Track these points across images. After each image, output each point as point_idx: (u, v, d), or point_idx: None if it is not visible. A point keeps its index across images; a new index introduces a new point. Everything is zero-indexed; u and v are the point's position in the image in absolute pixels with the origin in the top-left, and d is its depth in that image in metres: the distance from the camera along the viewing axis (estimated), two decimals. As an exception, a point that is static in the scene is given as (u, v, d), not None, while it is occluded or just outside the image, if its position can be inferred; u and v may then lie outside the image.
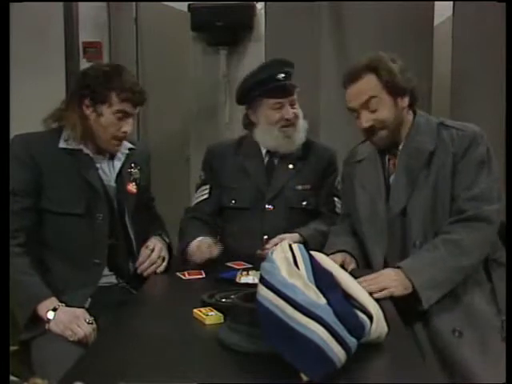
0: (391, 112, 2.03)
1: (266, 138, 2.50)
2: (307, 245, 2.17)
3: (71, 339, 1.78)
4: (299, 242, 2.15)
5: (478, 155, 1.98)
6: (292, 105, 2.45)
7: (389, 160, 2.13)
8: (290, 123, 2.45)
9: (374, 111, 2.02)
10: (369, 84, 2.02)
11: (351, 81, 2.05)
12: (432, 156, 2.02)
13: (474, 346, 1.86)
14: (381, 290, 1.81)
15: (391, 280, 1.86)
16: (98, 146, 2.09)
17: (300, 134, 2.50)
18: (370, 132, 2.07)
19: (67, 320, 1.82)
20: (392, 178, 2.10)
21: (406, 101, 2.05)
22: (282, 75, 2.41)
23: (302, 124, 2.51)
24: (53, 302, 1.87)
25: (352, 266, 2.10)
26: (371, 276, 1.89)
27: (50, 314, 1.84)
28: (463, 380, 1.83)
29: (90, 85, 2.02)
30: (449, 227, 1.96)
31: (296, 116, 2.46)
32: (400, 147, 2.09)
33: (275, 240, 2.28)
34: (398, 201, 2.06)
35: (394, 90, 2.02)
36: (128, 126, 2.07)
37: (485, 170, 1.98)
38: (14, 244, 1.93)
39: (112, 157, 2.15)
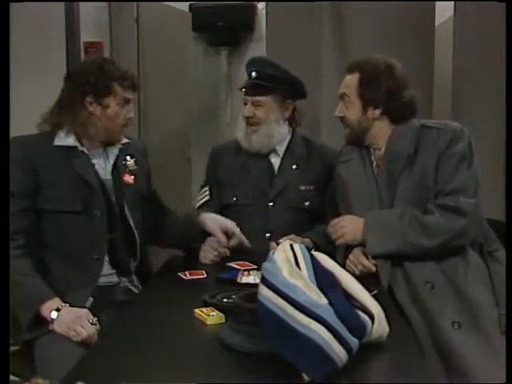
0: (356, 116, 2.16)
1: (237, 131, 2.56)
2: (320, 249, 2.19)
3: (74, 339, 1.78)
4: (312, 248, 2.17)
5: (458, 151, 2.04)
6: (256, 105, 2.45)
7: (374, 162, 2.20)
8: (250, 122, 2.47)
9: (346, 107, 2.17)
10: (350, 82, 2.17)
11: (346, 71, 2.20)
12: (414, 159, 2.08)
13: (471, 337, 1.87)
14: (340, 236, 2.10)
15: (349, 229, 2.09)
16: (102, 140, 2.10)
17: (261, 139, 2.48)
18: (342, 122, 2.22)
19: (70, 320, 1.81)
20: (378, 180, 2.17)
21: (376, 113, 2.14)
22: (254, 74, 2.43)
23: (270, 130, 2.48)
24: (56, 302, 1.87)
25: None
26: (336, 221, 2.14)
27: (54, 314, 1.83)
28: (461, 372, 1.83)
29: (90, 80, 2.03)
30: (427, 210, 2.04)
31: (256, 117, 2.46)
32: (382, 151, 2.16)
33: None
34: (383, 203, 2.12)
35: (367, 99, 2.14)
36: (131, 112, 2.11)
37: (464, 165, 2.04)
38: (14, 246, 1.92)
39: (106, 150, 2.15)
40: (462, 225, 1.99)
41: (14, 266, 1.85)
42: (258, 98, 2.45)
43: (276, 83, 2.44)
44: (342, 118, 2.20)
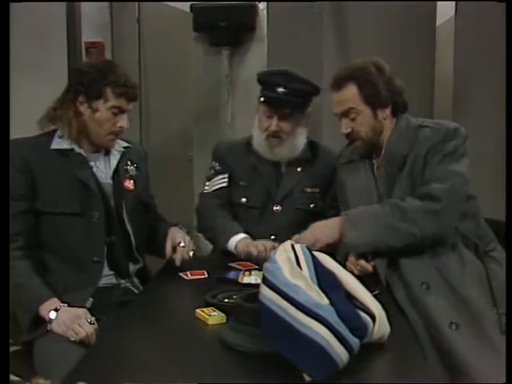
0: (368, 123, 2.13)
1: (255, 140, 2.50)
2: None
3: (73, 339, 1.78)
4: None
5: (447, 148, 2.04)
6: (282, 119, 2.39)
7: (375, 164, 2.20)
8: (274, 135, 2.42)
9: (353, 119, 2.13)
10: (349, 95, 2.12)
11: (335, 88, 2.16)
12: (406, 159, 2.09)
13: (470, 338, 1.86)
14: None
15: (321, 232, 2.08)
16: (93, 143, 2.09)
17: (286, 150, 2.45)
18: (350, 137, 2.18)
19: (69, 320, 1.81)
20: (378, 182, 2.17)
21: (386, 111, 2.14)
22: (282, 89, 2.35)
23: (295, 141, 2.46)
24: (54, 302, 1.87)
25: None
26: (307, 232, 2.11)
27: (52, 314, 1.83)
28: (460, 372, 1.82)
29: (84, 81, 2.02)
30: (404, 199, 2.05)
31: (282, 131, 2.41)
32: (382, 153, 2.16)
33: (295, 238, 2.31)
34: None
35: (374, 102, 2.11)
36: (124, 122, 2.08)
37: (448, 160, 2.04)
38: (14, 248, 1.92)
39: (108, 153, 2.15)
40: (435, 208, 1.98)
41: (13, 267, 1.85)
42: (285, 112, 2.39)
43: (305, 97, 2.42)
44: (350, 134, 2.15)
